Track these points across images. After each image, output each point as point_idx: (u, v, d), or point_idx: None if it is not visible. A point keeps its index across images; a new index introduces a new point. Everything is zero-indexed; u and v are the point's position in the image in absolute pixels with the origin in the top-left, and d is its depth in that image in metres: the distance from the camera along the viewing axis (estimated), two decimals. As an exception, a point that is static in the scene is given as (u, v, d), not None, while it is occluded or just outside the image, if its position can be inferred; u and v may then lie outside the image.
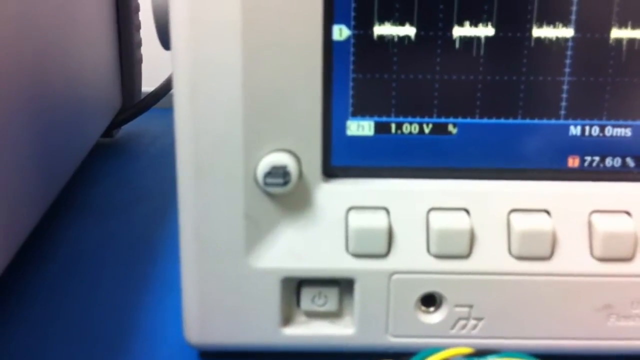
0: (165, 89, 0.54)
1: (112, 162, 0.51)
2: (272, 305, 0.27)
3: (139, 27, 0.55)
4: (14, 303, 0.33)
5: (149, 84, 0.56)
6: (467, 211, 0.27)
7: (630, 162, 0.28)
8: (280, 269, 0.27)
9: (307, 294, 0.28)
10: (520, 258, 0.27)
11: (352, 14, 0.26)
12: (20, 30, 0.33)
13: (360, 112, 0.27)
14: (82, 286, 0.35)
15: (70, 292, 0.34)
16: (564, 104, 0.27)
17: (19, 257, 0.33)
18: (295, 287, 0.28)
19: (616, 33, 0.26)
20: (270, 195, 0.27)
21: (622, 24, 0.26)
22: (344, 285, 0.27)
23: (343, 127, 0.27)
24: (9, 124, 0.31)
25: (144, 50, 0.56)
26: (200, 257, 0.27)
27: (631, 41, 0.26)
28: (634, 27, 0.26)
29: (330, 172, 0.27)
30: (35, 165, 0.34)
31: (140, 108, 0.54)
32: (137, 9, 0.54)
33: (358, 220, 0.27)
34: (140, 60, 0.56)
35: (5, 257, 0.31)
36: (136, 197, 0.45)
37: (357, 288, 0.27)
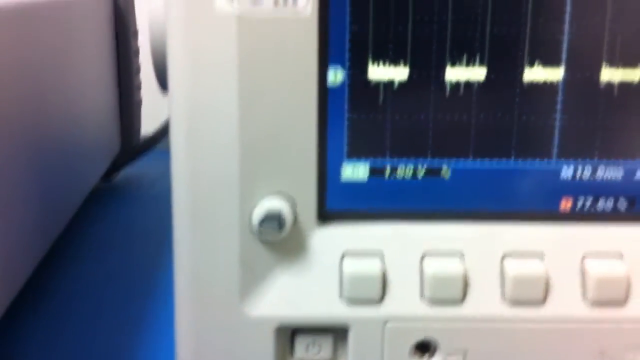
0: (164, 131, 0.54)
1: (111, 206, 0.51)
2: (267, 354, 0.27)
3: (138, 70, 0.55)
4: (13, 343, 0.33)
5: (148, 126, 0.56)
6: (461, 255, 0.27)
7: (622, 203, 0.28)
8: (275, 317, 0.27)
9: (301, 343, 0.27)
10: (514, 303, 0.27)
11: (347, 57, 0.26)
12: (21, 74, 0.33)
13: (355, 154, 0.27)
14: (78, 328, 0.35)
15: (67, 334, 0.34)
16: (556, 144, 0.27)
17: (17, 298, 0.33)
18: (290, 335, 0.28)
19: (606, 74, 0.27)
20: (265, 241, 0.27)
21: (612, 65, 0.27)
22: (338, 333, 0.27)
23: (338, 171, 0.27)
24: (8, 169, 0.31)
25: (144, 92, 0.56)
26: (194, 303, 0.27)
27: (621, 82, 0.27)
28: (624, 68, 0.27)
29: (325, 216, 0.28)
30: (34, 210, 0.34)
31: (139, 151, 0.54)
32: (137, 52, 0.55)
33: (352, 266, 0.27)
34: (139, 103, 0.56)
35: (4, 300, 0.31)
36: (134, 241, 0.45)
37: (352, 336, 0.27)
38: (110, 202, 0.52)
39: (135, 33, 0.54)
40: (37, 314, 0.36)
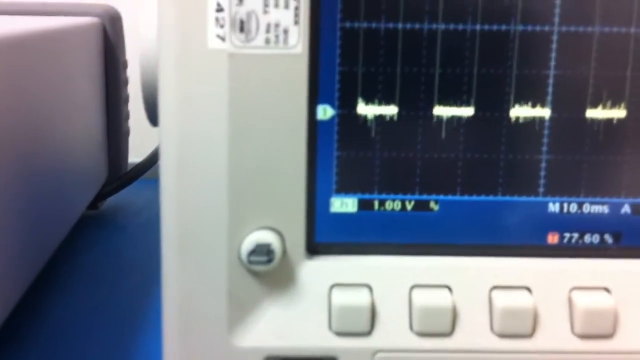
0: (151, 161, 0.54)
1: (97, 234, 0.51)
2: (255, 385, 0.27)
3: (127, 100, 0.55)
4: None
5: (135, 155, 0.56)
6: (449, 288, 0.27)
7: (608, 238, 0.28)
8: (263, 348, 0.27)
9: (290, 373, 0.27)
10: (503, 336, 0.27)
11: (336, 94, 0.27)
12: (11, 103, 0.33)
13: (343, 189, 0.28)
14: (65, 357, 0.34)
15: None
16: (542, 181, 0.28)
17: (4, 326, 0.33)
18: (278, 366, 0.28)
19: (591, 113, 0.27)
20: (253, 273, 0.27)
21: (597, 104, 0.27)
22: (327, 364, 0.27)
23: (327, 204, 0.28)
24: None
25: (131, 121, 0.56)
26: (182, 334, 0.27)
27: (606, 121, 0.27)
28: (609, 107, 0.27)
29: (314, 248, 0.28)
30: (22, 238, 0.34)
31: (126, 180, 0.54)
32: (126, 82, 0.55)
33: (341, 298, 0.27)
34: (127, 133, 0.56)
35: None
36: (121, 270, 0.45)
37: (340, 367, 0.27)
38: (96, 230, 0.52)
39: (125, 64, 0.54)
40: (23, 342, 0.36)
